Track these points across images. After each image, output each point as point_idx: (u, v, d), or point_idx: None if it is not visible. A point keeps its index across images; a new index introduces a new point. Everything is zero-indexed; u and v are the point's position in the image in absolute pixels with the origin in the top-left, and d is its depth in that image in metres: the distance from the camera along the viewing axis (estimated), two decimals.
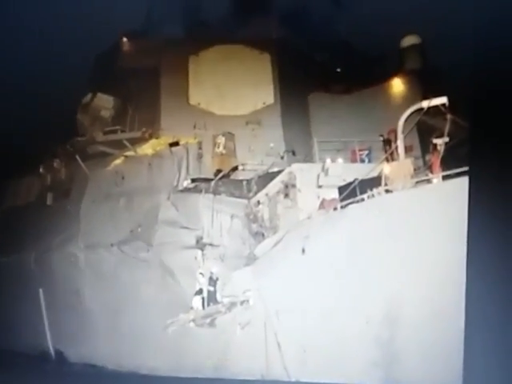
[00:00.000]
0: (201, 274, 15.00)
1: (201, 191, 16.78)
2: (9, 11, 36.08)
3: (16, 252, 20.93)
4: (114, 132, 20.28)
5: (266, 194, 16.43)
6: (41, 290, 19.77)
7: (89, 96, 21.74)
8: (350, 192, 13.18)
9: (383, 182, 12.80)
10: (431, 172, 12.78)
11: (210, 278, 14.84)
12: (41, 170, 22.87)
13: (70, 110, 22.31)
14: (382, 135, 17.54)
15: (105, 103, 21.40)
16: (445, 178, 11.73)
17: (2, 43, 35.59)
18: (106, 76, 22.93)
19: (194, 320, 14.63)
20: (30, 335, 20.30)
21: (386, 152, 16.13)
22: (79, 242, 18.53)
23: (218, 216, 16.07)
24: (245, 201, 16.70)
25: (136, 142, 19.56)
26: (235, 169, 17.99)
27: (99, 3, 34.01)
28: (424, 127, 16.10)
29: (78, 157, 20.13)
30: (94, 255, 17.94)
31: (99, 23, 30.62)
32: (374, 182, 13.06)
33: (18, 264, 20.63)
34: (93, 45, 25.57)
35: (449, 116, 12.89)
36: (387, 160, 14.42)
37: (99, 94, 21.57)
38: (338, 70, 23.32)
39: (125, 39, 23.77)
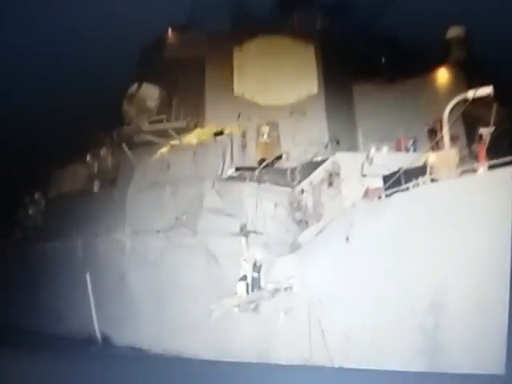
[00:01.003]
0: (245, 260, 15.22)
1: (245, 179, 16.98)
2: (59, 4, 37.08)
3: (63, 238, 21.58)
4: (160, 121, 20.53)
5: (310, 183, 16.43)
6: (88, 275, 20.32)
7: (135, 86, 21.99)
8: (395, 181, 13.09)
9: (428, 172, 12.68)
10: (477, 161, 12.58)
11: (254, 265, 15.04)
12: (88, 158, 23.40)
13: (117, 100, 22.67)
14: (427, 124, 17.40)
15: (151, 93, 21.62)
16: (490, 167, 11.59)
17: (54, 33, 36.61)
18: (153, 67, 23.29)
19: (238, 305, 14.81)
20: (76, 319, 20.94)
21: (431, 141, 16.00)
22: (125, 228, 18.98)
23: (261, 204, 16.20)
24: (289, 189, 16.73)
25: (181, 131, 19.84)
26: (279, 158, 18.00)
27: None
28: (469, 117, 15.87)
29: (124, 145, 20.58)
30: (140, 241, 18.36)
31: (146, 15, 31.16)
32: (419, 171, 12.93)
33: (65, 249, 21.29)
34: (140, 36, 25.97)
35: (494, 106, 12.72)
36: (432, 149, 14.29)
37: (145, 85, 21.81)
38: (383, 60, 23.12)
39: (171, 31, 24.05)
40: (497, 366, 10.84)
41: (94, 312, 20.11)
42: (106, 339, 19.78)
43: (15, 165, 30.33)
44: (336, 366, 13.48)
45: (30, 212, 25.70)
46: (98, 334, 20.11)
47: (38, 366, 16.91)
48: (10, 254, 25.67)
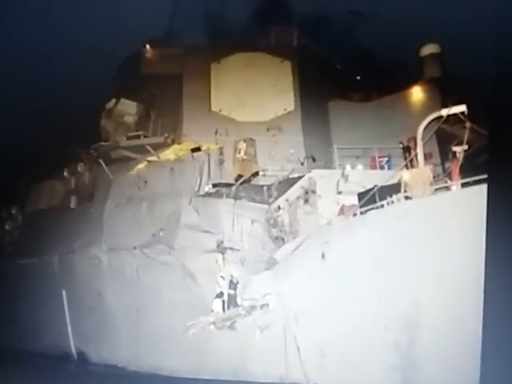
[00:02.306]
0: (221, 277, 15.20)
1: (222, 196, 17.00)
2: (33, 16, 36.86)
3: (39, 254, 21.22)
4: (137, 137, 20.45)
5: (287, 200, 16.57)
6: (64, 292, 20.04)
7: (112, 102, 21.99)
8: (370, 198, 13.30)
9: (403, 189, 12.91)
10: (450, 179, 12.84)
11: (231, 282, 15.05)
12: (65, 173, 23.15)
13: (94, 116, 22.62)
14: (401, 142, 17.58)
15: (128, 109, 21.64)
16: (464, 185, 11.80)
17: (27, 49, 36.40)
18: (130, 82, 23.28)
19: (214, 323, 14.86)
20: (52, 336, 20.57)
21: (405, 159, 16.19)
22: (102, 244, 18.74)
23: (238, 220, 16.26)
24: (265, 206, 16.86)
25: (158, 147, 19.82)
26: (256, 174, 18.10)
27: (123, 11, 34.66)
28: (443, 135, 16.20)
29: (101, 161, 20.41)
30: (117, 258, 18.14)
31: (123, 30, 31.13)
32: (394, 188, 13.16)
33: (41, 266, 20.93)
34: (117, 51, 25.96)
35: (468, 124, 12.97)
36: (407, 167, 14.52)
37: (122, 100, 21.81)
38: (358, 77, 23.48)
39: (148, 46, 24.12)
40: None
41: (69, 328, 19.82)
42: (81, 356, 19.47)
43: None
44: (311, 383, 13.50)
45: (7, 227, 25.35)
46: (73, 350, 19.80)
47: (12, 382, 16.63)
48: None
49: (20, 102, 35.18)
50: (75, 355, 19.82)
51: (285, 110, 20.17)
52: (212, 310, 14.93)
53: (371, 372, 12.47)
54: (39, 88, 35.68)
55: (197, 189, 17.73)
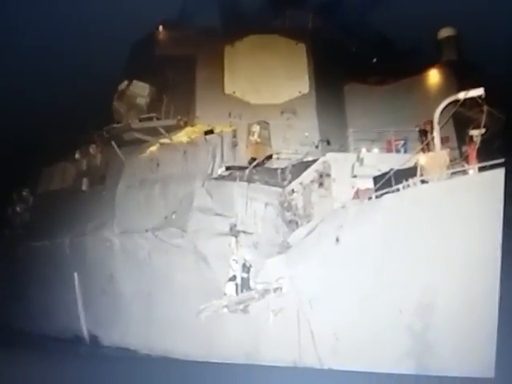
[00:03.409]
0: (234, 260, 15.24)
1: (235, 179, 16.87)
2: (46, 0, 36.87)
3: (51, 236, 21.45)
4: (150, 119, 20.36)
5: (301, 183, 16.40)
6: (75, 274, 20.24)
7: (125, 83, 21.89)
8: (385, 182, 13.12)
9: (419, 173, 12.70)
10: (467, 163, 12.63)
11: (244, 265, 15.09)
12: (76, 155, 23.31)
13: (106, 97, 22.54)
14: (418, 126, 17.43)
15: (141, 90, 21.52)
16: (481, 169, 11.64)
17: (40, 31, 36.40)
18: (143, 64, 23.11)
19: (227, 306, 14.92)
20: (64, 319, 20.89)
21: (421, 143, 16.02)
22: (114, 227, 18.87)
23: (251, 204, 16.16)
24: (279, 189, 16.68)
25: (171, 129, 19.72)
26: (270, 157, 17.97)
27: None
28: (460, 119, 15.92)
29: (113, 143, 20.46)
30: (129, 240, 18.25)
31: (136, 11, 30.99)
32: (410, 172, 12.95)
33: (53, 248, 21.17)
34: (130, 33, 25.79)
35: (485, 107, 12.76)
36: (423, 151, 14.34)
37: (135, 82, 21.68)
38: (374, 60, 23.20)
39: (161, 28, 23.94)
40: (486, 369, 10.84)
41: (81, 311, 20.04)
42: (93, 339, 19.71)
43: (3, 162, 30.13)
44: (325, 367, 13.49)
45: (18, 209, 25.53)
46: (85, 333, 20.05)
47: (25, 365, 16.82)
48: None
49: (33, 85, 35.26)
50: (87, 338, 20.09)
51: (299, 92, 20.00)
52: (225, 294, 15.00)
53: (385, 356, 12.41)
54: (52, 70, 35.75)
55: (210, 172, 17.64)
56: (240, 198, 16.29)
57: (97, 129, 22.16)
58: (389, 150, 16.70)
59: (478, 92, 13.23)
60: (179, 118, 19.86)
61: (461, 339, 11.49)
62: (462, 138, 15.58)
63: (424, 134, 16.80)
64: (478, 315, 11.16)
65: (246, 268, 15.01)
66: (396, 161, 13.96)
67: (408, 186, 12.62)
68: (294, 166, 17.02)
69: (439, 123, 13.95)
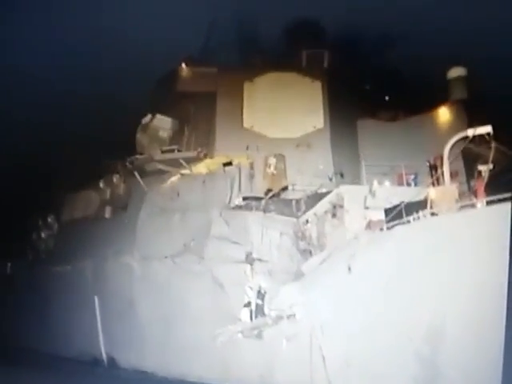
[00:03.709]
0: (249, 287, 15.60)
1: (251, 209, 17.48)
2: (75, 34, 38.15)
3: (73, 261, 21.92)
4: (171, 151, 21.04)
5: (315, 214, 16.88)
6: (96, 298, 20.63)
7: (148, 117, 22.80)
8: (397, 214, 13.46)
9: (429, 206, 13.07)
10: (475, 197, 12.93)
11: (259, 292, 15.40)
12: (101, 184, 23.98)
13: (130, 129, 23.39)
14: (428, 161, 17.90)
15: (163, 124, 22.42)
16: (488, 203, 11.91)
17: (72, 61, 37.63)
18: (166, 99, 24.09)
19: (241, 331, 15.21)
20: (83, 341, 21.16)
21: (431, 177, 16.47)
22: (134, 253, 19.29)
23: (267, 233, 16.59)
24: (294, 219, 17.14)
25: (191, 161, 20.40)
26: (285, 188, 18.53)
27: (161, 31, 35.69)
28: (469, 154, 16.30)
29: (136, 173, 21.12)
30: (148, 266, 18.65)
31: (161, 49, 31.99)
32: (420, 205, 13.33)
33: (75, 272, 21.64)
34: (155, 69, 26.79)
35: (493, 144, 13.17)
36: (433, 184, 14.73)
37: (158, 116, 22.59)
38: (387, 98, 23.79)
39: (184, 65, 24.95)
40: None
41: (100, 334, 20.34)
42: (111, 361, 19.95)
43: (30, 187, 30.91)
44: None
45: (43, 235, 26.12)
46: (104, 356, 20.29)
47: None
48: (22, 276, 26.12)
49: (62, 115, 36.30)
50: (105, 361, 20.30)
51: (314, 127, 20.56)
52: (240, 319, 15.32)
53: (395, 382, 12.69)
54: (80, 103, 36.81)
55: (227, 201, 18.25)
56: (256, 227, 16.76)
57: (121, 160, 22.90)
58: (400, 184, 17.07)
59: (487, 129, 13.63)
60: (199, 150, 20.49)
61: (468, 367, 11.69)
62: (471, 173, 15.91)
63: (434, 168, 17.25)
64: (485, 343, 11.36)
65: (260, 295, 15.33)
66: (407, 194, 14.40)
67: (418, 218, 12.96)
68: (308, 197, 17.53)
69: (449, 158, 14.38)
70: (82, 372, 19.75)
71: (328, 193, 17.05)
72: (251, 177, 19.06)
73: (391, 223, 13.53)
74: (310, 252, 16.48)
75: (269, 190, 18.17)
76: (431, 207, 13.10)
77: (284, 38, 26.85)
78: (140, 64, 33.61)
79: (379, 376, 12.95)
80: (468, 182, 16.95)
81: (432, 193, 13.55)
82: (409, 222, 13.10)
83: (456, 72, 21.28)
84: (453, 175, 14.92)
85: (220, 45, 25.43)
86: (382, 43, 28.47)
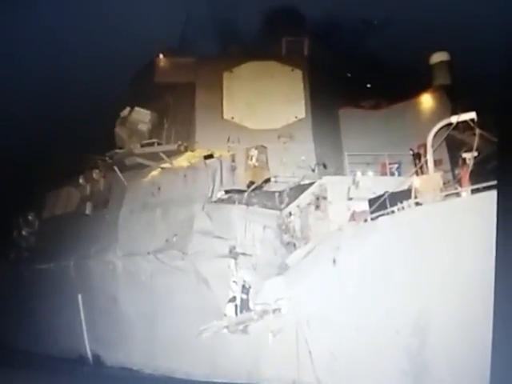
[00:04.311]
0: (234, 282, 15.45)
1: (234, 202, 17.24)
2: (48, 28, 37.45)
3: (56, 259, 21.57)
4: (151, 145, 20.79)
5: (298, 206, 16.76)
6: (80, 296, 20.37)
7: (127, 110, 22.41)
8: (380, 204, 13.40)
9: (413, 195, 13.00)
10: (460, 186, 12.92)
11: (243, 286, 15.27)
12: (81, 180, 23.57)
13: (109, 124, 22.99)
14: (411, 149, 17.79)
15: (142, 117, 22.05)
16: (473, 191, 11.84)
17: (44, 60, 37.02)
18: (144, 91, 23.70)
19: (227, 327, 15.09)
20: (68, 340, 20.91)
21: (415, 166, 16.35)
22: (117, 250, 19.09)
23: (250, 226, 16.45)
24: (277, 212, 17.00)
25: (172, 154, 20.09)
26: (267, 181, 18.32)
27: (137, 22, 35.13)
28: (453, 142, 16.26)
29: (116, 168, 20.80)
30: (131, 263, 18.45)
31: (137, 40, 31.49)
32: (404, 194, 13.25)
33: (57, 271, 21.30)
34: (131, 61, 26.34)
35: (477, 131, 13.05)
36: (417, 173, 14.66)
37: (137, 109, 22.22)
38: (369, 85, 23.64)
39: (161, 56, 24.53)
40: None
41: (85, 332, 20.12)
42: (97, 359, 19.77)
43: (9, 186, 30.42)
44: None
45: (24, 233, 25.73)
46: (89, 354, 20.10)
47: None
48: (4, 275, 25.65)
49: (38, 111, 35.73)
50: (91, 358, 20.10)
51: (296, 117, 20.41)
52: (225, 315, 15.18)
53: (382, 376, 12.61)
54: (57, 97, 36.25)
55: (209, 195, 18.01)
56: (239, 221, 16.61)
57: (100, 154, 22.53)
58: (383, 173, 17.09)
59: (470, 115, 13.55)
60: (180, 143, 20.21)
61: (456, 360, 11.65)
62: (455, 161, 15.86)
63: (418, 157, 17.15)
64: (472, 336, 11.20)
65: (245, 289, 15.21)
66: (391, 184, 14.31)
67: (402, 208, 12.89)
68: (291, 189, 17.38)
69: (432, 146, 14.28)
70: (67, 370, 19.44)
71: (311, 184, 16.94)
72: (233, 169, 18.83)
73: (375, 214, 13.44)
74: (294, 245, 16.37)
75: (251, 183, 17.93)
76: (415, 197, 13.03)
77: (263, 26, 26.50)
78: (117, 55, 33.02)
79: (366, 370, 12.90)
80: (452, 170, 16.89)
81: (416, 182, 13.50)
82: (393, 212, 13.03)
83: (439, 57, 21.12)
84: (437, 163, 14.92)
85: (198, 34, 24.99)
86: (364, 30, 28.26)
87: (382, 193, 13.76)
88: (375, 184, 15.17)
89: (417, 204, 12.88)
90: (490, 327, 10.60)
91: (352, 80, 23.30)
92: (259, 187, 18.04)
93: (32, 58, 37.72)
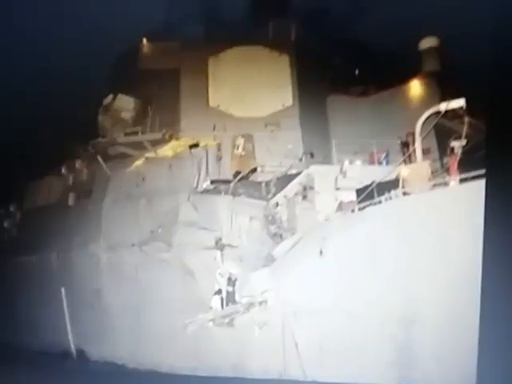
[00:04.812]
0: (220, 274, 15.25)
1: (220, 193, 17.04)
2: (32, 13, 36.76)
3: (38, 251, 21.25)
4: (135, 133, 20.48)
5: (285, 196, 16.58)
6: (63, 289, 20.04)
7: (110, 97, 21.95)
8: (368, 194, 13.33)
9: (401, 185, 12.92)
10: (448, 175, 12.80)
11: (229, 279, 15.09)
12: (63, 170, 23.23)
13: (91, 112, 22.52)
14: (400, 138, 17.58)
15: (125, 104, 21.61)
16: (462, 180, 11.75)
17: (24, 46, 36.34)
18: (127, 77, 23.09)
19: (212, 320, 14.92)
20: (51, 334, 20.61)
21: (403, 154, 16.20)
22: (101, 241, 18.77)
23: (236, 217, 16.29)
24: (263, 202, 16.86)
25: (156, 143, 19.79)
26: (254, 170, 18.12)
27: (120, 6, 34.46)
28: (442, 130, 16.14)
29: (99, 157, 20.41)
30: (115, 255, 18.18)
31: (120, 25, 30.88)
32: (392, 184, 13.18)
33: (40, 263, 21.00)
34: (114, 47, 25.80)
35: (466, 119, 12.91)
36: (405, 162, 14.53)
37: (120, 95, 21.77)
38: (357, 72, 23.33)
39: (145, 41, 24.07)
40: (467, 381, 10.88)
41: (69, 326, 19.84)
42: (81, 354, 19.50)
43: None
44: (309, 379, 13.56)
45: (5, 225, 25.34)
46: (73, 348, 19.82)
47: (12, 380, 16.70)
48: None
49: (18, 100, 35.12)
50: (74, 353, 19.85)
51: (283, 105, 20.10)
52: (211, 307, 14.97)
53: (369, 367, 12.57)
54: (37, 85, 35.58)
55: (195, 185, 17.77)
56: (225, 212, 16.43)
57: (82, 143, 22.10)
58: (371, 163, 16.90)
59: (459, 103, 13.42)
60: (164, 131, 19.88)
61: (443, 351, 11.62)
62: (444, 149, 15.70)
63: (406, 145, 17.01)
64: (459, 326, 11.18)
65: (231, 282, 15.02)
66: (378, 173, 14.22)
67: (390, 198, 12.80)
68: (278, 179, 17.22)
69: (421, 134, 14.10)
70: (50, 365, 19.15)
71: (298, 174, 16.75)
72: (219, 158, 18.63)
73: (363, 204, 13.34)
74: (281, 236, 16.22)
75: (237, 173, 17.71)
76: (403, 186, 12.92)
77: (250, 10, 25.98)
78: (100, 42, 32.35)
79: (353, 361, 12.82)
80: (441, 158, 16.74)
81: (404, 171, 13.41)
82: (380, 202, 12.91)
83: (428, 42, 20.85)
84: (425, 152, 14.78)
85: (182, 18, 24.42)
86: (352, 14, 27.89)
87: (369, 182, 13.63)
88: (363, 173, 15.03)
89: (404, 194, 12.76)
90: (478, 318, 10.47)
91: (340, 66, 22.96)
92: (245, 177, 17.81)
93: (13, 44, 37.06)
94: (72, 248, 19.68)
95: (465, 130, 12.88)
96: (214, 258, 15.68)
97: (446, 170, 13.75)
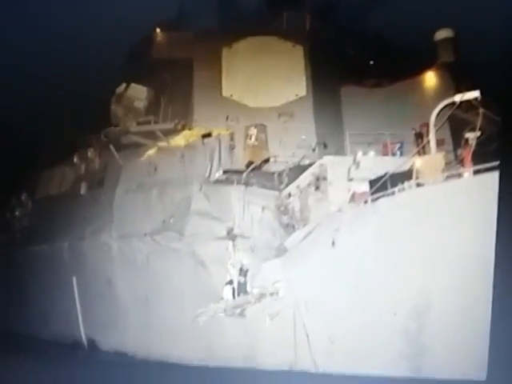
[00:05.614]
0: (231, 264, 15.25)
1: (232, 183, 16.94)
2: (45, 3, 36.76)
3: (50, 241, 21.40)
4: (148, 123, 20.43)
5: (297, 186, 16.46)
6: (74, 279, 20.20)
7: (123, 86, 21.84)
8: (381, 185, 13.17)
9: (414, 176, 12.79)
10: (462, 166, 12.65)
11: (241, 269, 15.05)
12: (75, 159, 23.28)
13: (104, 101, 22.49)
14: (414, 129, 17.40)
15: (138, 94, 21.47)
16: (476, 172, 11.64)
17: (39, 36, 36.36)
18: (140, 67, 23.14)
19: (224, 310, 14.83)
20: (63, 323, 20.90)
21: (417, 146, 16.02)
22: (112, 231, 18.87)
23: (249, 207, 16.22)
24: (276, 192, 16.76)
25: (169, 132, 19.73)
26: (267, 161, 18.00)
27: None
28: (456, 121, 15.89)
29: (111, 147, 20.48)
30: (127, 244, 18.25)
31: (134, 14, 30.79)
32: (405, 175, 13.03)
33: (51, 252, 21.15)
34: (128, 36, 25.74)
35: (481, 110, 12.75)
36: (419, 154, 14.36)
37: (133, 85, 21.65)
38: (371, 62, 23.08)
39: (158, 30, 23.95)
40: (478, 372, 10.84)
41: (80, 315, 20.01)
42: (91, 344, 19.70)
43: (1, 166, 30.03)
44: (320, 370, 13.56)
45: (17, 214, 25.45)
46: (83, 338, 20.01)
47: (23, 369, 16.86)
48: None
49: (31, 89, 35.20)
50: (85, 343, 20.03)
51: (296, 95, 19.90)
52: (222, 298, 14.90)
53: (380, 359, 12.50)
54: (50, 74, 35.63)
55: (207, 175, 17.71)
56: (237, 202, 16.36)
57: (95, 132, 22.12)
58: (385, 153, 16.74)
59: (474, 94, 13.24)
60: (177, 121, 19.83)
61: (454, 342, 11.55)
62: (458, 141, 15.47)
63: (420, 136, 16.81)
64: (471, 318, 11.16)
65: (242, 272, 14.97)
66: (392, 164, 14.00)
67: (403, 189, 12.66)
68: (291, 169, 17.12)
69: (435, 126, 13.94)
70: (61, 354, 19.34)
71: (311, 164, 16.56)
72: (231, 148, 18.50)
73: (376, 195, 13.20)
74: (293, 226, 16.12)
75: (250, 163, 17.61)
76: (417, 177, 12.79)
77: (263, 0, 25.78)
78: (114, 32, 32.28)
79: (364, 352, 12.75)
80: (455, 150, 16.49)
81: (418, 162, 13.27)
82: (394, 193, 12.78)
83: (443, 33, 20.53)
84: (439, 143, 14.62)
85: (196, 8, 24.28)
86: (366, 5, 27.58)
87: (382, 173, 13.44)
88: (376, 164, 14.83)
89: (418, 185, 12.62)
90: (489, 310, 10.40)
91: (354, 57, 22.70)
92: (258, 167, 17.70)
93: (28, 34, 37.09)
94: (84, 237, 19.77)
95: (479, 121, 12.67)
96: (225, 248, 15.68)
97: (460, 161, 13.59)
